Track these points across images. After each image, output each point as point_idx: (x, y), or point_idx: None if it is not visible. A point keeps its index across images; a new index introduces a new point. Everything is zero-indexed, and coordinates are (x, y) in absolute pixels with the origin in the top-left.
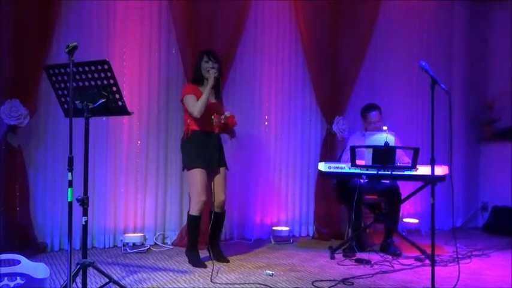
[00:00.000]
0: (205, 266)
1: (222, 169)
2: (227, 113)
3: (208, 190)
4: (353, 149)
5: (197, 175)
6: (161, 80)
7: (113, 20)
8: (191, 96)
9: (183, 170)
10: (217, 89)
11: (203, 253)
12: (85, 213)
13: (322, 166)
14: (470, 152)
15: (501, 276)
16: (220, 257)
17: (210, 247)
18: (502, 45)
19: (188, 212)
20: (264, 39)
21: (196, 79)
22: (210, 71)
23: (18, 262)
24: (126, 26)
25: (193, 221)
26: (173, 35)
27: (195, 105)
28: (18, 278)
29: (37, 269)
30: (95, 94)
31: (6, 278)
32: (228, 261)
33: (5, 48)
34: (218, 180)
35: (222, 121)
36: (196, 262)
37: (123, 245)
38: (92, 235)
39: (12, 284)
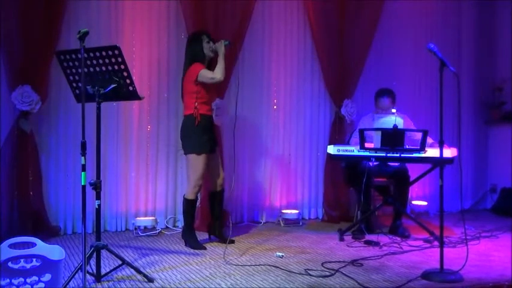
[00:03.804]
0: (204, 248)
1: (216, 149)
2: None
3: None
4: (362, 132)
5: (203, 160)
6: (171, 64)
7: (122, 5)
8: (206, 70)
9: (186, 154)
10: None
11: (202, 236)
12: (98, 197)
13: (331, 149)
14: (479, 134)
15: (509, 257)
16: (224, 238)
17: (213, 229)
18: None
19: (184, 196)
20: (272, 23)
21: (199, 60)
22: (216, 43)
23: (34, 244)
24: (135, 11)
25: (190, 205)
26: (182, 19)
27: (216, 71)
28: (34, 259)
29: (53, 251)
30: (106, 79)
31: (22, 260)
32: (233, 242)
33: (15, 35)
34: (216, 160)
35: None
36: (196, 244)
37: (135, 229)
38: (104, 219)
39: (28, 265)
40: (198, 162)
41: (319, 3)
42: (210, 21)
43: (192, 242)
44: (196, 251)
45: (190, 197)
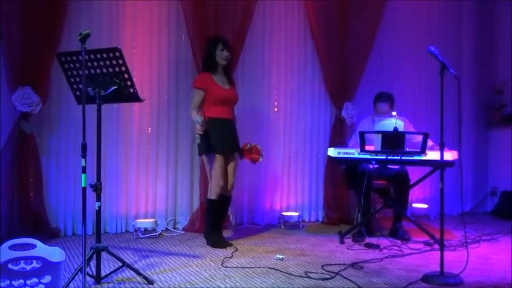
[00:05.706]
0: (230, 244)
1: (235, 154)
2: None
3: (226, 175)
4: (362, 135)
5: (216, 160)
6: (171, 66)
7: (122, 7)
8: (198, 92)
9: (200, 155)
10: (228, 75)
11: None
12: (98, 199)
13: (332, 151)
14: (480, 137)
15: (510, 261)
16: (224, 242)
17: None
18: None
19: (206, 196)
20: (272, 24)
21: (210, 66)
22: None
23: (34, 246)
24: (136, 13)
25: (211, 205)
26: (182, 20)
27: (192, 110)
28: (34, 261)
29: (53, 252)
30: (107, 81)
31: (22, 262)
32: (231, 245)
33: (16, 36)
34: (231, 165)
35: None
36: (219, 242)
37: (135, 230)
38: (104, 220)
39: (28, 267)
40: (210, 162)
41: (319, 5)
42: (211, 22)
43: (213, 240)
44: (197, 253)
45: (210, 197)
